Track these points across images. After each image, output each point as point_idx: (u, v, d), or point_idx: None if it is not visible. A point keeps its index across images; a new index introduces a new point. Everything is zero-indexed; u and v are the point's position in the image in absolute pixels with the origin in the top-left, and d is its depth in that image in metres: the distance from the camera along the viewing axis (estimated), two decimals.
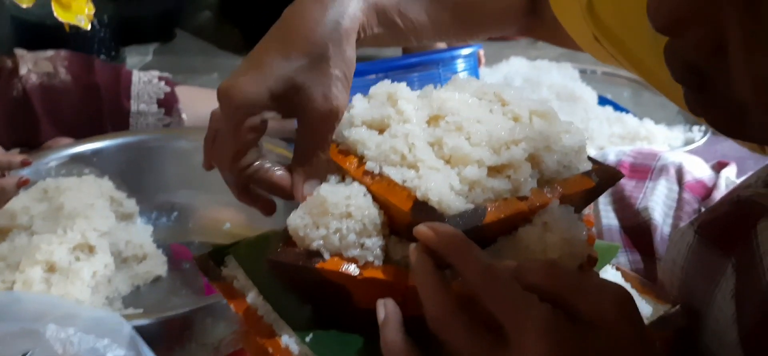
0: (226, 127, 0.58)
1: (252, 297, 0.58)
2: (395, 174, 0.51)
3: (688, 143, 1.33)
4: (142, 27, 2.11)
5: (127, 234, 1.04)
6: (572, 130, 0.55)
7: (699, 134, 1.35)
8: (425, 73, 1.09)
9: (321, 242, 0.51)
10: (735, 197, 0.61)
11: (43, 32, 1.72)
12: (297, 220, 0.53)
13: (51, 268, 0.89)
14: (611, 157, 0.98)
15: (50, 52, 1.42)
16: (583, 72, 1.57)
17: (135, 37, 2.08)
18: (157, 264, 1.05)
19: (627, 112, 1.46)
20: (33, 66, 1.37)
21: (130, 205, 1.10)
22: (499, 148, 0.52)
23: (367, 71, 1.11)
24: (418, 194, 0.49)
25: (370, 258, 0.51)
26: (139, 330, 0.74)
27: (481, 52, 1.59)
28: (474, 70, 1.14)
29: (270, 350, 0.53)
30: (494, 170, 0.51)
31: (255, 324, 0.56)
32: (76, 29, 1.73)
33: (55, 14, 1.00)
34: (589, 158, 0.57)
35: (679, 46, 0.39)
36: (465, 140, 0.52)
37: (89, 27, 1.06)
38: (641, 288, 0.62)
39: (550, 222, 0.51)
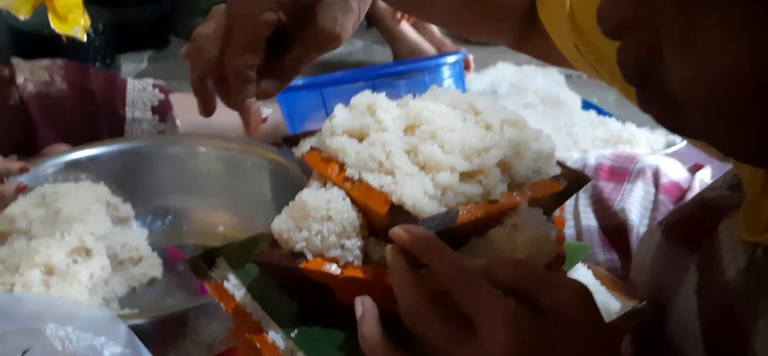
0: (246, 16, 0.61)
1: (241, 296, 0.61)
2: (373, 180, 0.54)
3: (669, 145, 1.37)
4: (136, 34, 2.15)
5: (123, 237, 1.07)
6: (541, 137, 0.59)
7: (679, 137, 1.39)
8: (412, 81, 1.12)
9: (304, 243, 0.54)
10: (700, 198, 0.65)
11: (39, 41, 1.76)
12: (281, 224, 0.56)
13: (49, 271, 0.92)
14: (591, 160, 1.02)
15: (46, 61, 1.45)
16: (569, 77, 1.60)
17: (130, 44, 2.11)
18: (153, 266, 1.08)
19: (610, 116, 1.49)
20: (30, 75, 1.41)
21: (126, 209, 1.14)
22: (471, 155, 0.55)
23: (356, 78, 1.14)
24: (394, 199, 0.52)
25: (350, 258, 0.55)
26: (135, 329, 0.77)
27: (470, 58, 1.63)
28: (460, 78, 1.17)
29: (258, 345, 0.56)
30: (466, 176, 0.54)
31: (244, 321, 0.59)
32: (72, 38, 1.77)
33: (53, 26, 1.03)
34: (558, 163, 0.60)
35: (626, 48, 0.43)
36: (438, 147, 0.55)
37: (85, 38, 1.09)
38: (611, 285, 0.65)
39: (518, 223, 0.54)
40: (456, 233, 0.53)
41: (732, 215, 0.56)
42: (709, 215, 0.59)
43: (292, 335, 0.56)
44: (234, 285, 0.62)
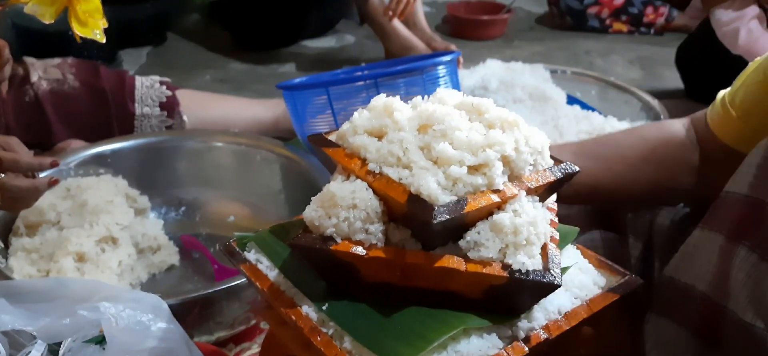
0: None
1: (274, 276, 0.69)
2: (393, 173, 0.63)
3: None
4: (135, 31, 2.20)
5: (143, 227, 1.15)
6: (535, 135, 0.68)
7: None
8: (410, 79, 1.20)
9: (333, 229, 0.63)
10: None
11: (45, 39, 1.80)
12: (312, 212, 0.64)
13: (81, 258, 1.00)
14: None
15: (58, 60, 1.51)
16: (553, 72, 1.69)
17: (129, 40, 2.17)
18: (170, 254, 1.16)
19: (593, 110, 1.59)
20: (43, 73, 1.47)
21: (143, 201, 1.21)
22: (477, 150, 0.64)
23: (357, 78, 1.22)
24: (412, 189, 0.61)
25: (374, 241, 0.63)
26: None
27: (460, 58, 1.71)
28: (454, 75, 1.25)
29: (293, 318, 0.65)
30: (473, 169, 0.63)
31: (278, 297, 0.68)
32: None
33: (74, 30, 1.09)
34: (552, 157, 0.69)
35: None
36: (449, 144, 0.64)
37: (104, 40, 1.15)
38: (597, 263, 0.74)
39: (518, 209, 0.63)
40: (466, 218, 0.62)
41: None
42: None
43: (324, 308, 0.65)
44: (267, 267, 0.71)
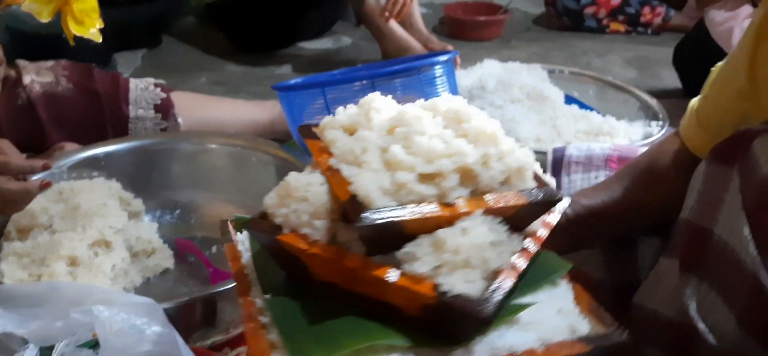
0: None
1: (246, 259, 0.69)
2: (346, 170, 0.61)
3: (647, 136, 1.45)
4: (130, 34, 2.19)
5: (137, 231, 1.13)
6: (517, 153, 0.63)
7: (656, 129, 1.48)
8: (406, 79, 1.19)
9: (282, 218, 0.62)
10: (738, 130, 0.75)
11: (38, 42, 1.79)
12: (269, 199, 0.64)
13: (73, 262, 0.98)
14: (597, 151, 1.10)
15: (50, 62, 1.50)
16: (551, 72, 1.68)
17: (124, 43, 2.16)
18: (165, 258, 1.14)
19: (591, 109, 1.58)
20: (36, 75, 1.46)
21: (137, 204, 1.19)
22: (433, 158, 0.60)
23: (353, 78, 1.21)
24: (350, 189, 0.59)
25: (318, 237, 0.61)
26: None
27: (457, 58, 1.70)
28: (451, 75, 1.24)
29: (240, 301, 0.65)
30: (425, 177, 0.60)
31: (241, 280, 0.67)
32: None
33: (71, 29, 1.08)
34: (536, 178, 0.64)
35: None
36: (402, 148, 0.61)
37: (100, 39, 1.14)
38: (589, 309, 0.64)
39: (468, 228, 0.59)
40: (404, 227, 0.59)
41: (764, 134, 0.68)
42: (745, 137, 0.70)
43: (266, 297, 0.64)
44: (245, 250, 0.70)
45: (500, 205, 0.61)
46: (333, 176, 0.62)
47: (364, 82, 1.16)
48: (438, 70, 1.21)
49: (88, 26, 1.08)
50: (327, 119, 0.68)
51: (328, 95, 1.17)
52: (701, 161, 0.77)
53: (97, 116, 1.45)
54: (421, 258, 0.58)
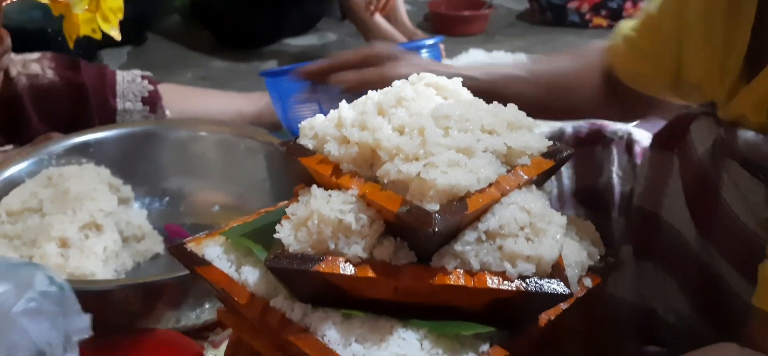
0: None
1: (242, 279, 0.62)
2: (407, 168, 0.55)
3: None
4: None
5: (127, 216, 1.14)
6: (523, 120, 0.62)
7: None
8: None
9: (309, 248, 0.56)
10: (677, 114, 0.79)
11: (25, 36, 1.79)
12: (286, 234, 0.57)
13: (64, 244, 0.99)
14: (568, 129, 1.11)
15: (36, 55, 1.49)
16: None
17: (110, 40, 2.14)
18: (155, 243, 1.14)
19: None
20: (22, 68, 1.45)
21: (127, 191, 1.19)
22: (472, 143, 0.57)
23: None
24: (440, 184, 0.53)
25: (362, 255, 0.55)
26: (156, 287, 0.85)
27: (442, 45, 1.71)
28: (437, 60, 1.26)
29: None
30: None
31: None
32: (56, 33, 1.81)
33: (99, 25, 1.12)
34: (549, 138, 0.64)
35: None
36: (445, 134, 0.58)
37: (120, 38, 1.18)
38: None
39: (519, 202, 0.57)
40: (469, 218, 0.56)
41: (700, 118, 0.71)
42: (683, 121, 0.75)
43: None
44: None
45: (537, 172, 0.60)
46: (373, 190, 0.56)
47: None
48: (424, 54, 1.22)
49: (113, 23, 1.12)
50: (327, 125, 0.62)
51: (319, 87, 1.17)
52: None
53: (84, 108, 1.45)
54: (486, 250, 0.55)
